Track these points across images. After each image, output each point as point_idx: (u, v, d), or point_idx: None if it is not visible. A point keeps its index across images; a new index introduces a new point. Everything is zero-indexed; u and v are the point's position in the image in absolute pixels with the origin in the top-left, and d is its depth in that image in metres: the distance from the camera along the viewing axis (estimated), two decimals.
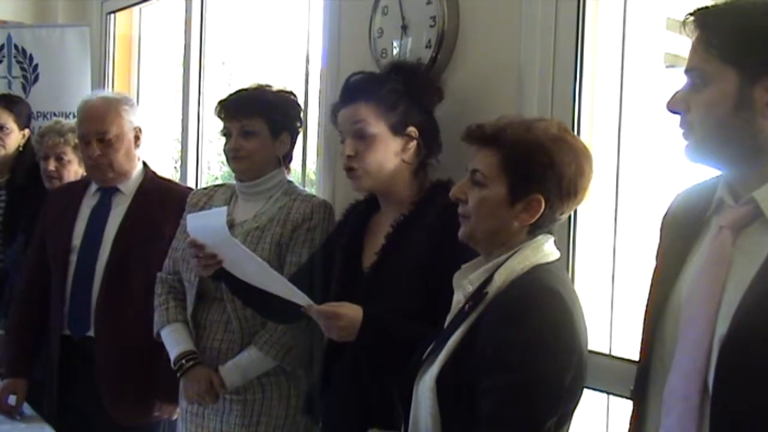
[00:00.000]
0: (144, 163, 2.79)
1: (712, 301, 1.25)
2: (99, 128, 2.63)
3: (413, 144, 1.97)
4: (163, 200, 2.68)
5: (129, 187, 2.71)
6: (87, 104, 2.71)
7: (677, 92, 1.33)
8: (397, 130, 1.95)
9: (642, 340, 1.43)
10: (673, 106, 1.33)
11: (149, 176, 2.77)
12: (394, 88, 1.96)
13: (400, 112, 1.95)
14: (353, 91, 1.98)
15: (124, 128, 2.67)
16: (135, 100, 2.85)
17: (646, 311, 1.43)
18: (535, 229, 1.57)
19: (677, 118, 1.34)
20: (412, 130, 1.96)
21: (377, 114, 1.93)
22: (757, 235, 1.25)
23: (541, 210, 1.53)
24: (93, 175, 2.72)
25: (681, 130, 1.33)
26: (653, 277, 1.45)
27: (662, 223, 1.48)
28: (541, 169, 1.52)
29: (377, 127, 1.93)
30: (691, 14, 1.30)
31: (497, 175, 1.54)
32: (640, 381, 1.41)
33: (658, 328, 1.37)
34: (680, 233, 1.40)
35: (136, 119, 2.73)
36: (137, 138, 2.72)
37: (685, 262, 1.36)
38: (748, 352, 1.18)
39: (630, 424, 1.45)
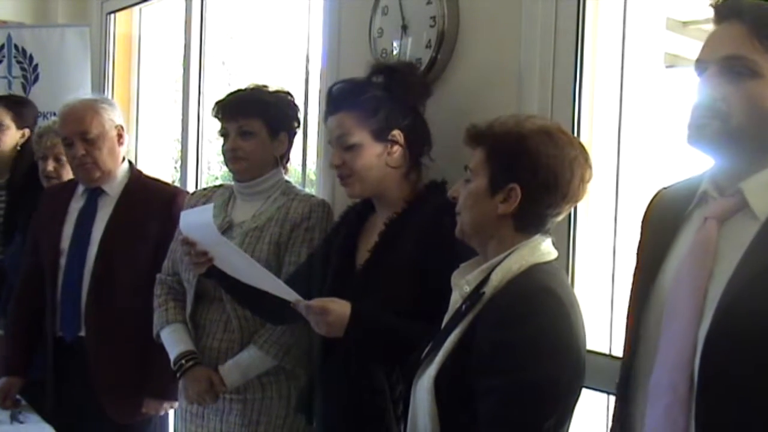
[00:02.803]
0: (130, 162, 2.81)
1: (698, 292, 1.25)
2: (80, 128, 2.65)
3: (397, 148, 1.97)
4: (148, 200, 2.70)
5: (114, 188, 2.72)
6: (66, 107, 2.72)
7: (709, 79, 1.27)
8: (380, 135, 1.96)
9: (626, 335, 1.43)
10: (711, 94, 1.27)
11: (135, 176, 2.77)
12: (374, 95, 1.97)
13: (381, 118, 1.96)
14: (335, 100, 2.00)
15: (105, 126, 2.68)
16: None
17: (629, 305, 1.43)
18: (525, 225, 1.56)
19: (697, 106, 1.29)
20: (395, 134, 1.97)
21: (358, 122, 1.95)
22: (741, 225, 1.26)
23: (518, 199, 1.53)
24: (79, 175, 2.73)
25: (703, 120, 1.28)
26: (635, 273, 1.45)
27: (643, 221, 1.49)
28: (515, 158, 1.53)
29: (359, 135, 1.95)
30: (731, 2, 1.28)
31: (482, 168, 1.57)
32: (625, 377, 1.40)
33: (643, 321, 1.37)
34: (661, 227, 1.40)
35: (116, 118, 2.74)
36: (120, 136, 2.73)
37: (666, 255, 1.36)
38: (733, 340, 1.19)
39: (614, 420, 1.45)
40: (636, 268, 1.45)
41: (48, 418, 2.56)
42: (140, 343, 2.50)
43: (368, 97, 1.96)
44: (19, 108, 3.43)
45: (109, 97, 3.70)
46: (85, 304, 2.63)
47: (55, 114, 3.75)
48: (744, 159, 1.28)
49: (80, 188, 2.76)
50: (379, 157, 1.96)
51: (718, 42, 1.28)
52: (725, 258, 1.25)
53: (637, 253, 1.47)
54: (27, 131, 3.41)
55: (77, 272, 2.64)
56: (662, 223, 1.40)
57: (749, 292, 1.19)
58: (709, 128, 1.27)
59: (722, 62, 1.27)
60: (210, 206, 2.02)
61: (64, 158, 3.04)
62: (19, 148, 3.36)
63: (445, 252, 1.69)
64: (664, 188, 1.47)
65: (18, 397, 2.70)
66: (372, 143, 1.95)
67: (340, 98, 1.99)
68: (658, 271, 1.36)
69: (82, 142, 2.64)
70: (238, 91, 2.41)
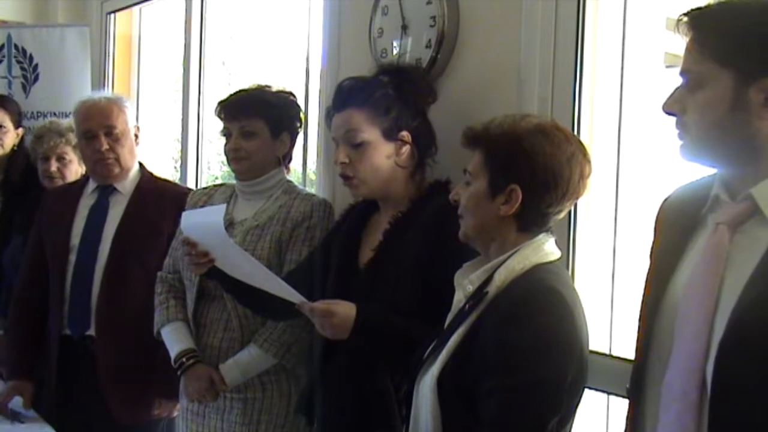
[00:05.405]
0: (140, 164, 2.82)
1: (710, 298, 1.25)
2: (107, 122, 2.68)
3: (406, 148, 1.97)
4: (159, 200, 2.71)
5: (126, 186, 2.74)
6: (90, 101, 2.74)
7: (672, 94, 1.33)
8: (390, 135, 1.95)
9: (638, 338, 1.43)
10: (669, 108, 1.33)
11: (146, 176, 2.80)
12: (386, 93, 1.96)
13: (393, 117, 1.95)
14: (345, 97, 1.98)
15: (128, 125, 2.73)
16: (135, 101, 2.89)
17: (641, 309, 1.43)
18: (527, 225, 1.56)
19: (673, 118, 1.34)
20: (404, 134, 1.96)
21: (369, 120, 1.93)
22: (754, 232, 1.26)
23: (519, 200, 1.53)
24: (98, 170, 2.72)
25: (676, 131, 1.34)
26: (648, 275, 1.45)
27: (656, 221, 1.48)
28: (513, 159, 1.53)
29: (370, 133, 1.93)
30: (684, 15, 1.30)
31: (481, 170, 1.57)
32: (637, 379, 1.41)
33: (655, 326, 1.37)
34: (675, 231, 1.40)
35: (134, 118, 2.81)
36: (136, 137, 2.78)
37: (680, 259, 1.36)
38: (747, 349, 1.18)
39: (626, 422, 1.45)
40: (648, 271, 1.44)
41: (49, 418, 2.56)
42: (150, 343, 2.48)
43: (380, 95, 1.95)
44: (12, 106, 3.42)
45: None
46: (96, 301, 2.62)
47: (55, 114, 3.76)
48: (739, 166, 1.29)
49: (90, 186, 2.77)
50: (388, 157, 1.95)
51: (683, 57, 1.32)
52: (737, 264, 1.24)
53: (650, 256, 1.46)
54: (21, 130, 3.39)
55: (88, 269, 2.64)
56: (675, 227, 1.40)
57: (764, 300, 1.18)
58: (683, 145, 1.32)
59: (681, 77, 1.31)
60: (222, 207, 2.02)
61: (67, 158, 3.05)
62: (15, 148, 3.35)
63: (449, 252, 1.69)
64: (678, 188, 1.46)
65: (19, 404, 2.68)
66: (381, 142, 1.94)
67: (351, 95, 1.97)
68: (671, 276, 1.36)
69: (107, 137, 2.67)
70: (241, 91, 2.42)
